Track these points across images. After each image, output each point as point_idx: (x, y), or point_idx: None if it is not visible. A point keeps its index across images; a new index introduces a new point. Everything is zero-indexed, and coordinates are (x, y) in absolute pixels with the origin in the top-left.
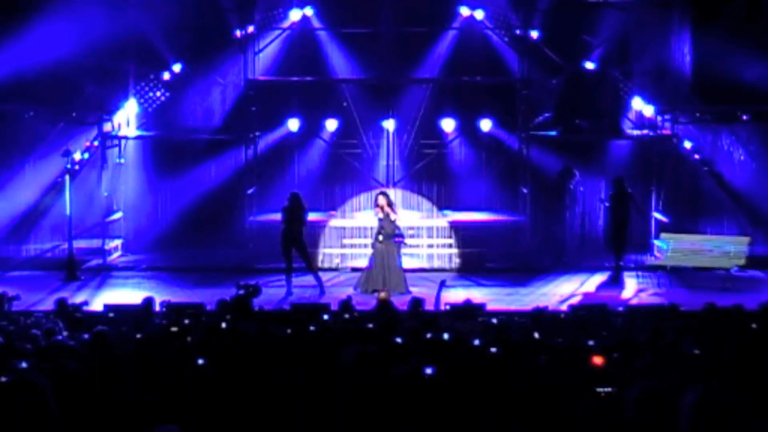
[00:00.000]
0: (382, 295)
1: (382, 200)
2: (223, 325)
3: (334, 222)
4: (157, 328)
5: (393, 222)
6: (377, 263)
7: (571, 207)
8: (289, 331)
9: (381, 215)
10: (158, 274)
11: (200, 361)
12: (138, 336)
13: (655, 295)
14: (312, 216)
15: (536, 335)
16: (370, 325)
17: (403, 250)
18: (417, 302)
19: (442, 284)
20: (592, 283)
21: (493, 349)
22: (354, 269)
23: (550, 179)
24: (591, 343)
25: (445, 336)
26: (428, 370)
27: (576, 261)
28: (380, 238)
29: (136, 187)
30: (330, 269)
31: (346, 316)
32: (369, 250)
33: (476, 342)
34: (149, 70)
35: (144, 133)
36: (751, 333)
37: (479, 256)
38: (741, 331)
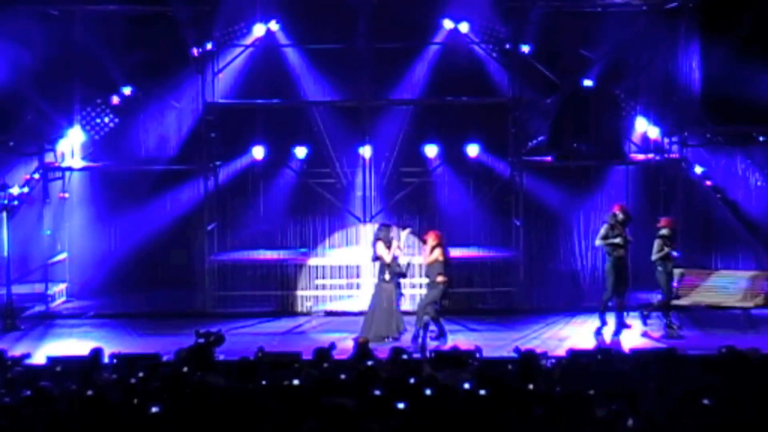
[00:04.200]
0: (361, 339)
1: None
2: (183, 377)
3: (308, 261)
4: (107, 383)
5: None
6: (385, 305)
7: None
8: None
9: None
10: (108, 321)
11: (154, 409)
12: (88, 393)
13: (665, 338)
14: (281, 254)
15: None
16: (342, 376)
17: None
18: (398, 351)
19: (426, 329)
20: (594, 324)
21: (483, 400)
22: (328, 313)
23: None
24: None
25: (428, 391)
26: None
27: (576, 301)
28: (386, 277)
29: (82, 224)
30: (302, 314)
31: (325, 365)
32: (346, 292)
33: (464, 392)
34: (96, 94)
35: (91, 164)
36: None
37: (467, 296)
38: (758, 378)
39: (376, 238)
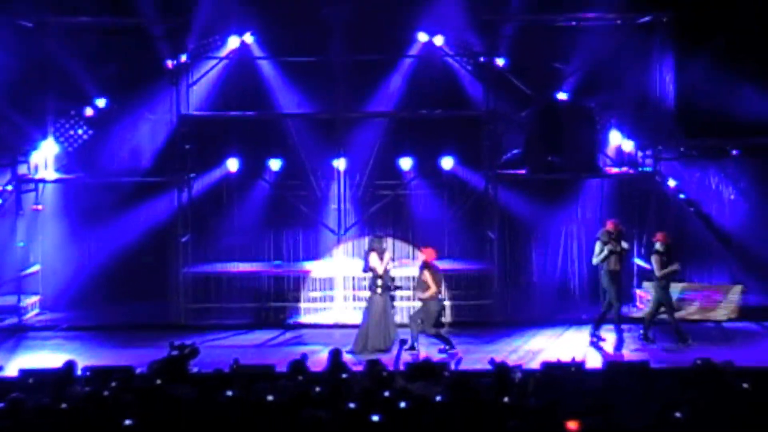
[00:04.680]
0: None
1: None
2: (156, 389)
3: (282, 273)
4: (80, 396)
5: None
6: (376, 318)
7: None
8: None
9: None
10: (81, 334)
11: (128, 422)
12: (62, 406)
13: (638, 350)
14: (255, 266)
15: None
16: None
17: (356, 304)
18: (374, 363)
19: (402, 344)
20: (567, 337)
21: (457, 412)
22: (303, 326)
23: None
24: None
25: (402, 404)
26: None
27: (551, 314)
28: (378, 289)
29: (55, 236)
30: (276, 326)
31: (300, 378)
32: (321, 304)
33: (438, 405)
34: (70, 106)
35: (64, 176)
36: (742, 394)
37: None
38: (731, 392)
39: (370, 249)
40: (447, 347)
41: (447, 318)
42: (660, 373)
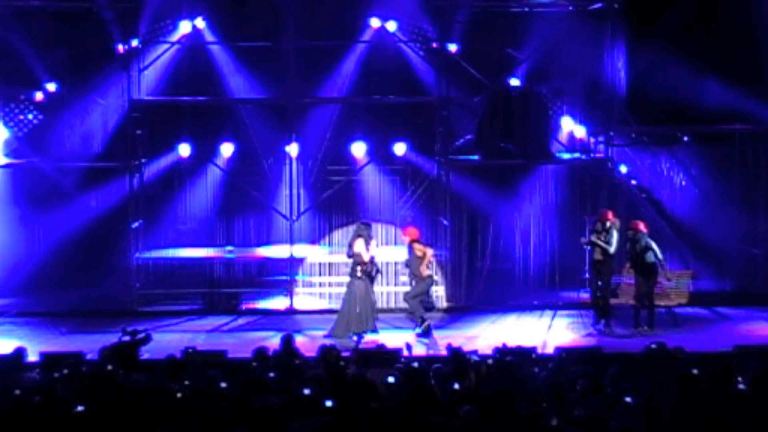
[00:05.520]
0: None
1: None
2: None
3: (234, 259)
4: (30, 382)
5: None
6: (354, 303)
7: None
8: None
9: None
10: (31, 320)
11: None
12: (15, 392)
13: (589, 336)
14: (207, 252)
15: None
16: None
17: (308, 290)
18: (327, 349)
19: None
20: (520, 322)
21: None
22: (253, 311)
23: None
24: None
25: (354, 390)
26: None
27: (505, 299)
28: (359, 274)
29: (4, 221)
30: (228, 312)
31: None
32: (273, 289)
33: (391, 391)
34: (19, 90)
35: (14, 161)
36: (691, 380)
37: (395, 294)
38: (681, 378)
39: (356, 235)
40: (417, 328)
41: (437, 301)
42: (611, 358)
